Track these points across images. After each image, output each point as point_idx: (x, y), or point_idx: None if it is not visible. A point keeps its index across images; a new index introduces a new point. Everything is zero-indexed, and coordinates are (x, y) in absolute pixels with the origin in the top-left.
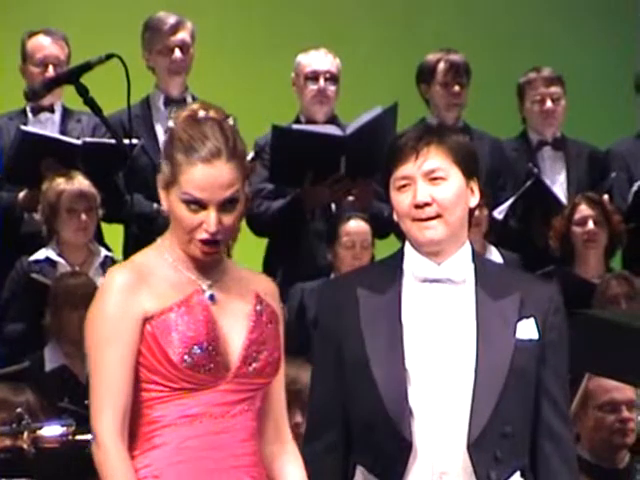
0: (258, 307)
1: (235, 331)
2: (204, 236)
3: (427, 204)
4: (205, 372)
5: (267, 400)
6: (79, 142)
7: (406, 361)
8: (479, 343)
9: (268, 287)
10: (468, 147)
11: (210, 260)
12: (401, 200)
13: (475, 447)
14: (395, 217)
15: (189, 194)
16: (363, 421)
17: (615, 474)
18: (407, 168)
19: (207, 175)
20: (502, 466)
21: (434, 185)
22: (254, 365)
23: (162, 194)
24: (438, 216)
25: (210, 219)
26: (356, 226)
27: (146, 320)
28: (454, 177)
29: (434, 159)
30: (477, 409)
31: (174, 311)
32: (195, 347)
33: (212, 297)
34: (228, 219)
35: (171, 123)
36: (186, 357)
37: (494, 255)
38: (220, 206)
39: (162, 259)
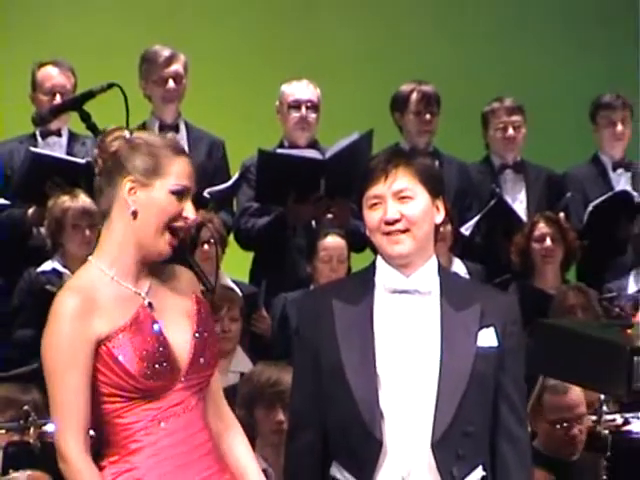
0: (197, 305)
1: (180, 331)
2: (181, 224)
3: (396, 220)
4: (161, 378)
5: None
6: (83, 162)
7: (377, 367)
8: (443, 350)
9: (191, 279)
10: (433, 169)
11: (163, 257)
12: (372, 217)
13: (438, 446)
14: (367, 232)
15: (180, 184)
16: (339, 423)
17: (568, 466)
18: (378, 188)
19: (188, 166)
20: (463, 463)
21: (402, 203)
22: (201, 360)
23: (130, 195)
24: (406, 230)
25: (190, 207)
26: (333, 242)
27: (100, 341)
28: (420, 196)
29: (402, 180)
30: (440, 411)
31: (127, 330)
32: (150, 358)
33: (150, 305)
34: (194, 214)
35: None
36: (143, 369)
37: (458, 266)
38: (192, 197)
39: (103, 275)
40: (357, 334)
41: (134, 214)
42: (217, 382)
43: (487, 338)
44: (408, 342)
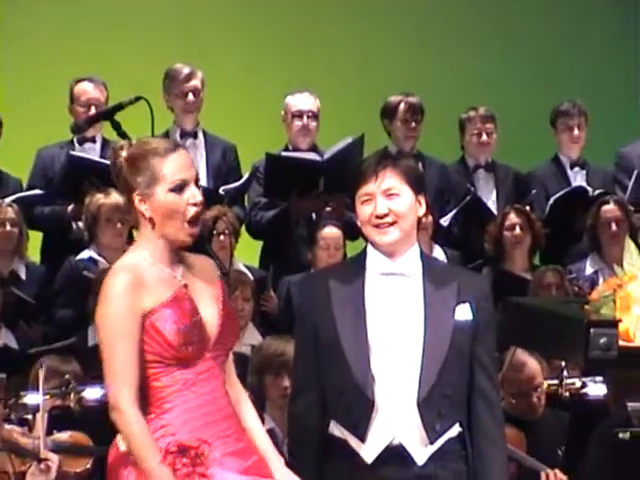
0: (222, 288)
1: (209, 309)
2: (193, 210)
3: (385, 214)
4: (194, 348)
5: None
6: None
7: (369, 338)
8: (426, 324)
9: (213, 266)
10: (416, 170)
11: (188, 245)
12: (364, 211)
13: (423, 405)
14: (359, 224)
15: (175, 181)
16: (336, 386)
17: (534, 424)
18: (369, 187)
19: (180, 159)
20: (444, 420)
21: (390, 200)
22: (226, 334)
23: (142, 206)
24: (394, 223)
25: (193, 191)
26: (330, 232)
27: (145, 315)
28: (406, 193)
29: (390, 179)
30: (424, 375)
31: (168, 305)
32: (186, 330)
33: (185, 286)
34: (200, 194)
35: (123, 153)
36: (180, 339)
37: (438, 252)
38: (195, 182)
39: (144, 260)
40: (351, 310)
41: (150, 220)
42: (231, 357)
43: (463, 313)
44: (395, 317)
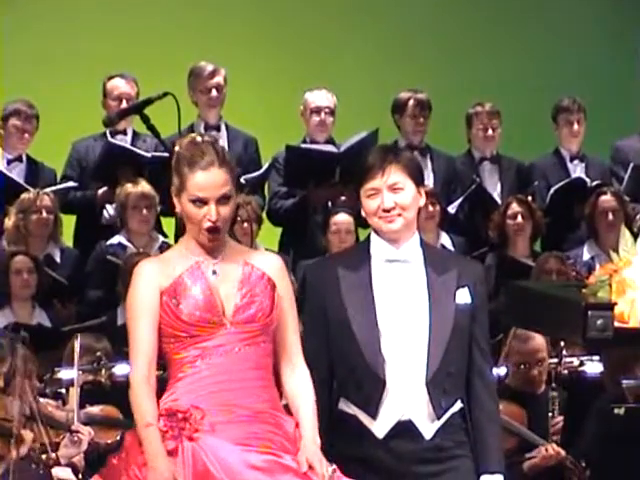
0: (246, 269)
1: (231, 291)
2: (208, 224)
3: (392, 208)
4: (206, 324)
5: (280, 338)
6: (149, 155)
7: (378, 321)
8: (431, 307)
9: (265, 260)
10: (416, 162)
11: (215, 245)
12: (370, 204)
13: (431, 383)
14: (363, 214)
15: (194, 195)
16: (346, 365)
17: (535, 399)
18: (375, 182)
19: (205, 179)
20: (448, 397)
21: (395, 193)
22: (247, 313)
23: (175, 200)
24: (399, 215)
25: (211, 211)
26: (341, 217)
27: (162, 293)
28: (409, 187)
29: (395, 175)
30: (432, 355)
31: (180, 283)
32: (197, 306)
33: (214, 272)
34: (225, 210)
35: (177, 147)
36: (191, 315)
37: (445, 239)
38: (217, 201)
39: (179, 251)
40: (359, 295)
41: (180, 215)
42: (292, 336)
43: (463, 296)
44: (402, 301)
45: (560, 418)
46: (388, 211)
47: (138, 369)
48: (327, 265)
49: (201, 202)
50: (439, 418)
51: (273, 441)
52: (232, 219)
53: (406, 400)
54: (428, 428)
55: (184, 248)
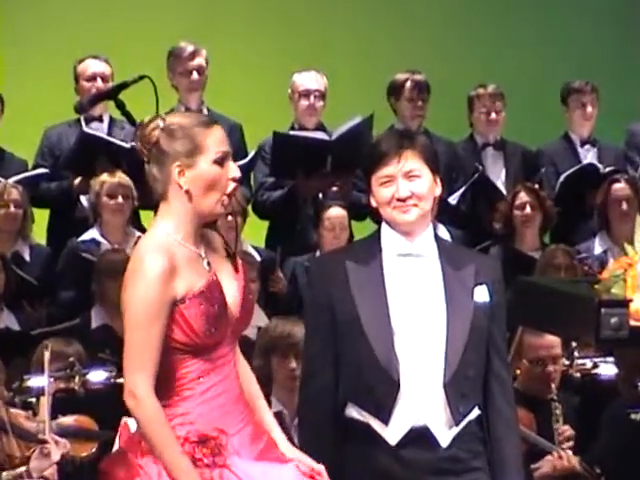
0: (242, 267)
1: (230, 289)
2: (233, 185)
3: (408, 197)
4: (218, 335)
5: None
6: (128, 146)
7: (391, 319)
8: (448, 305)
9: (222, 242)
10: (432, 149)
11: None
12: (384, 193)
13: (449, 386)
14: (374, 204)
15: (220, 151)
16: (356, 367)
17: (545, 404)
18: (389, 169)
19: (221, 132)
20: (466, 401)
21: (411, 181)
22: (246, 317)
23: (181, 178)
24: (415, 205)
25: (233, 167)
26: (335, 212)
27: (175, 302)
28: (425, 174)
29: (412, 161)
30: (449, 357)
31: (199, 296)
32: (213, 319)
33: (209, 264)
34: (239, 170)
35: (161, 122)
36: (206, 328)
37: (442, 231)
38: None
39: (171, 239)
40: (370, 291)
41: (187, 193)
42: None
43: (481, 294)
44: (416, 298)
45: (566, 427)
46: (403, 200)
47: (148, 382)
48: (334, 259)
49: (222, 161)
50: (457, 424)
51: (274, 444)
52: None
53: (422, 404)
54: (445, 435)
55: (176, 235)
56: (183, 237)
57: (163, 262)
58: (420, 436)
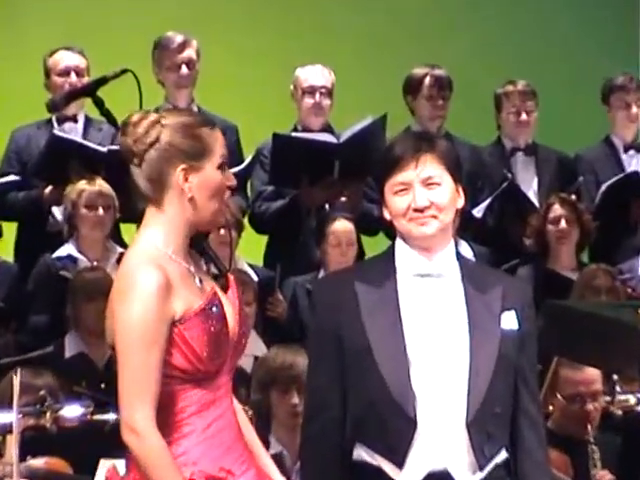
0: (236, 285)
1: (229, 312)
2: (229, 193)
3: (427, 207)
4: (220, 360)
5: None
6: (105, 150)
7: (407, 348)
8: (471, 332)
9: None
10: (454, 154)
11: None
12: (399, 203)
13: (472, 425)
14: (388, 216)
15: (223, 155)
16: (366, 403)
17: (582, 446)
18: (406, 175)
19: (221, 135)
20: (493, 443)
21: (430, 189)
22: (243, 340)
23: (185, 183)
24: (434, 217)
25: (230, 174)
26: (341, 226)
27: (174, 322)
28: (447, 182)
29: (431, 166)
30: (473, 391)
31: (200, 315)
32: (215, 340)
33: (200, 281)
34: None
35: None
36: (209, 351)
37: (464, 248)
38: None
39: (160, 253)
40: (383, 316)
41: (192, 200)
42: None
43: (509, 321)
44: (436, 324)
45: (605, 472)
46: (421, 211)
47: (145, 413)
48: (341, 280)
49: (225, 165)
50: (481, 469)
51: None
52: None
53: (441, 445)
54: None
55: (166, 249)
56: (174, 251)
57: (158, 276)
58: None
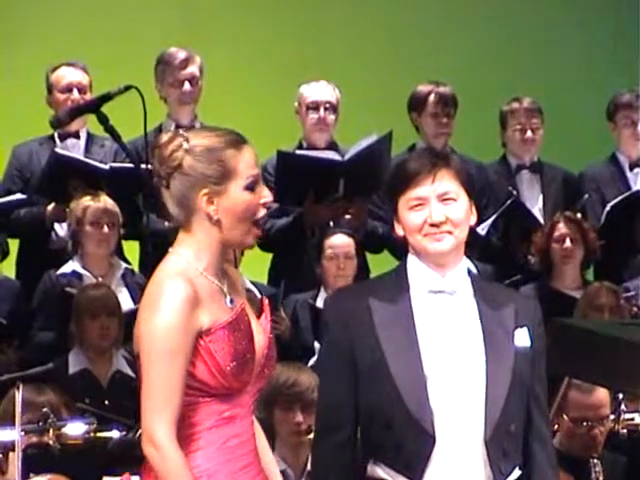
0: (268, 307)
1: (257, 332)
2: (264, 211)
3: (443, 222)
4: (244, 378)
5: None
6: (107, 167)
7: (423, 363)
8: (487, 349)
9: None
10: (467, 171)
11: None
12: (414, 218)
13: (490, 442)
14: (400, 232)
15: (251, 175)
16: (381, 420)
17: (586, 466)
18: (422, 190)
19: (252, 153)
20: (508, 460)
21: (446, 205)
22: (271, 362)
23: (209, 206)
24: (449, 232)
25: (266, 192)
26: (338, 239)
27: (200, 334)
28: (462, 198)
29: (448, 182)
30: (490, 408)
31: (227, 328)
32: (240, 356)
33: (232, 301)
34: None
35: (185, 146)
36: (233, 367)
37: (468, 266)
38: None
39: (192, 268)
40: (399, 333)
41: (218, 223)
42: None
43: (522, 338)
44: (452, 341)
45: None
46: (437, 226)
47: (167, 426)
48: (354, 296)
49: (255, 185)
50: None
51: None
52: None
53: (459, 462)
54: None
55: (197, 266)
56: (205, 268)
57: (186, 287)
58: None
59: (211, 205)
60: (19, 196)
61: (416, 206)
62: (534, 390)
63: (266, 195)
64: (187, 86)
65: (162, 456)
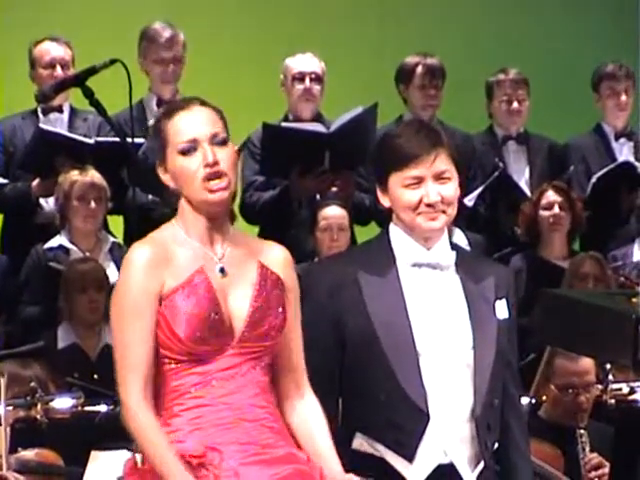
0: (261, 275)
1: (241, 299)
2: (206, 171)
3: (439, 202)
4: (211, 344)
5: (285, 357)
6: (92, 141)
7: (415, 339)
8: (473, 323)
9: (276, 255)
10: (456, 147)
11: (220, 203)
12: (410, 196)
13: (479, 417)
14: (386, 203)
15: (181, 141)
16: (371, 395)
17: (574, 436)
18: (419, 169)
19: (188, 118)
20: (492, 435)
21: (441, 184)
22: (259, 330)
23: (161, 173)
24: (443, 212)
25: (206, 152)
26: (332, 211)
27: (161, 298)
28: (454, 176)
29: (444, 162)
30: (478, 383)
31: (179, 293)
32: (200, 323)
33: (222, 270)
34: (222, 154)
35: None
36: (191, 333)
37: (459, 236)
38: (210, 141)
39: (176, 235)
40: (388, 304)
41: (175, 191)
42: (299, 359)
43: (502, 310)
44: (440, 315)
45: (593, 455)
46: (432, 206)
47: (134, 388)
48: (337, 266)
49: (191, 148)
50: (486, 462)
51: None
52: (234, 185)
53: (450, 438)
54: (469, 475)
55: (182, 231)
56: (188, 233)
57: (147, 251)
58: (443, 476)
59: (166, 174)
60: (1, 180)
61: (411, 185)
62: (507, 356)
63: (205, 156)
64: (170, 67)
65: (134, 419)
